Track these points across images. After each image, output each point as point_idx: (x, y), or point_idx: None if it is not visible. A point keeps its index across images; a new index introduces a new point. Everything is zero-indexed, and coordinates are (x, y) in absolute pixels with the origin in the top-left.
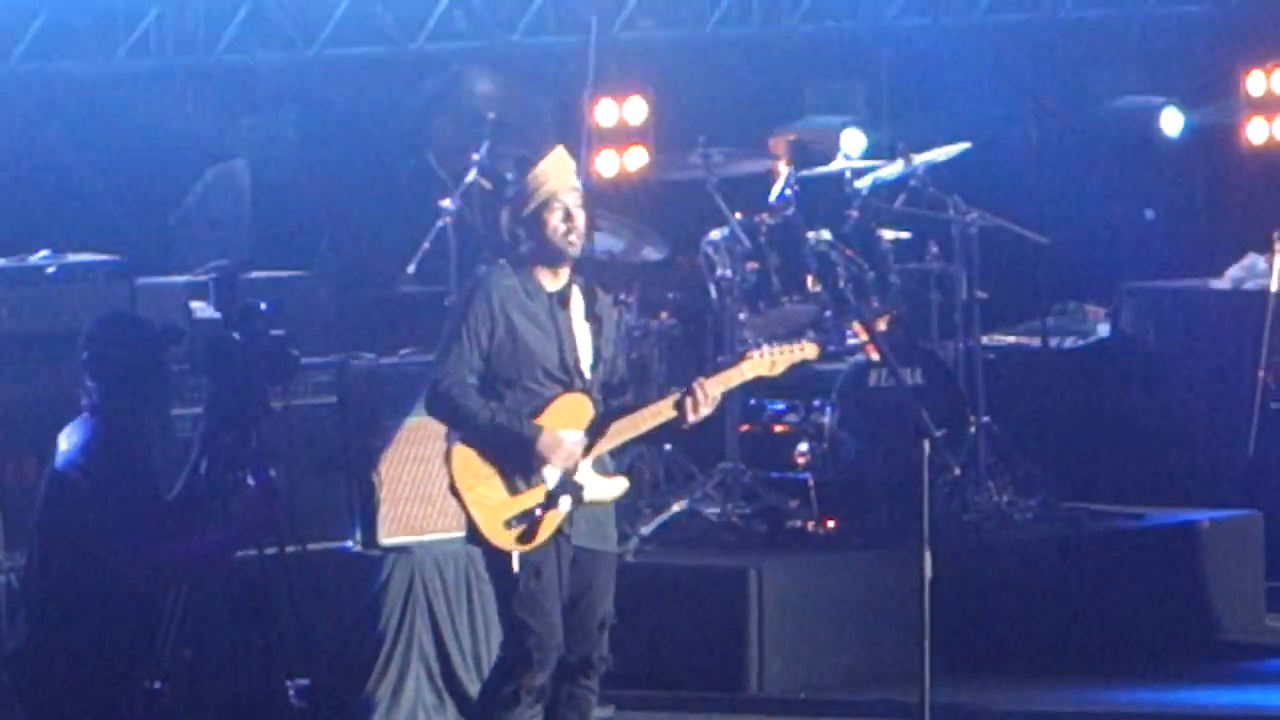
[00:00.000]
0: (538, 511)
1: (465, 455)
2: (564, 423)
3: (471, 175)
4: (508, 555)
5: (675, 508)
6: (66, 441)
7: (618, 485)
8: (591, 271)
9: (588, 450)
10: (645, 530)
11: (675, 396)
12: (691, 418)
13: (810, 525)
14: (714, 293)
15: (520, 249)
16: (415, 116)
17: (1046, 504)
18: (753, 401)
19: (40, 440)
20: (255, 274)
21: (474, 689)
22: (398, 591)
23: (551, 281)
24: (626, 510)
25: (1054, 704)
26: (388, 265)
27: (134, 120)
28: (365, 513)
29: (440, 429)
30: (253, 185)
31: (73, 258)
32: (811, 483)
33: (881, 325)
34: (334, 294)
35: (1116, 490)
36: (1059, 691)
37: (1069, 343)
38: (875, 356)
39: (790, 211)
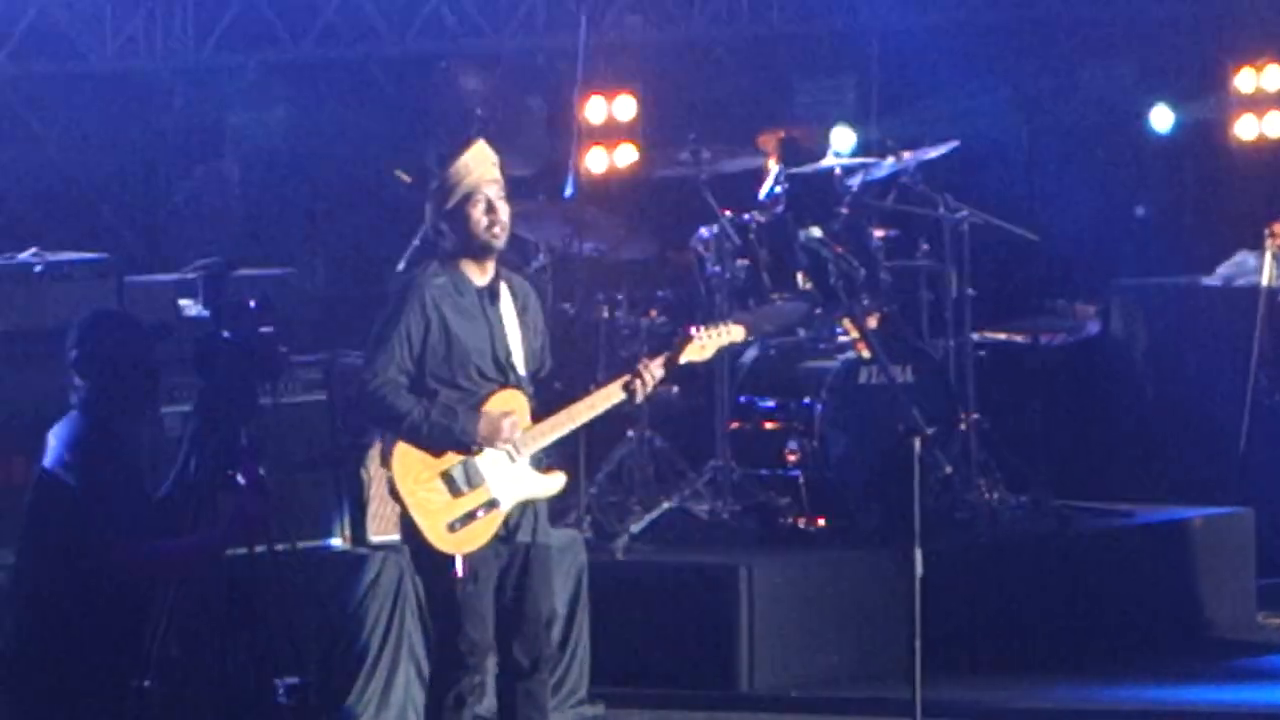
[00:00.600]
0: (480, 513)
1: (406, 458)
2: None
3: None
4: (448, 558)
5: (665, 505)
6: (55, 439)
7: (555, 481)
8: (581, 268)
9: (525, 445)
10: (635, 528)
11: (622, 380)
12: (639, 400)
13: (801, 523)
14: (704, 290)
15: (446, 245)
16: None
17: (1037, 501)
18: (743, 399)
19: (28, 439)
20: (244, 272)
21: None
22: (387, 589)
23: (479, 276)
24: (616, 508)
25: (1045, 701)
26: (376, 262)
27: (122, 118)
28: (354, 510)
29: None
30: (241, 183)
31: (60, 256)
32: (802, 480)
33: (872, 322)
34: (323, 291)
35: (1107, 488)
36: (1050, 689)
37: (1059, 340)
38: (866, 354)
39: (780, 209)
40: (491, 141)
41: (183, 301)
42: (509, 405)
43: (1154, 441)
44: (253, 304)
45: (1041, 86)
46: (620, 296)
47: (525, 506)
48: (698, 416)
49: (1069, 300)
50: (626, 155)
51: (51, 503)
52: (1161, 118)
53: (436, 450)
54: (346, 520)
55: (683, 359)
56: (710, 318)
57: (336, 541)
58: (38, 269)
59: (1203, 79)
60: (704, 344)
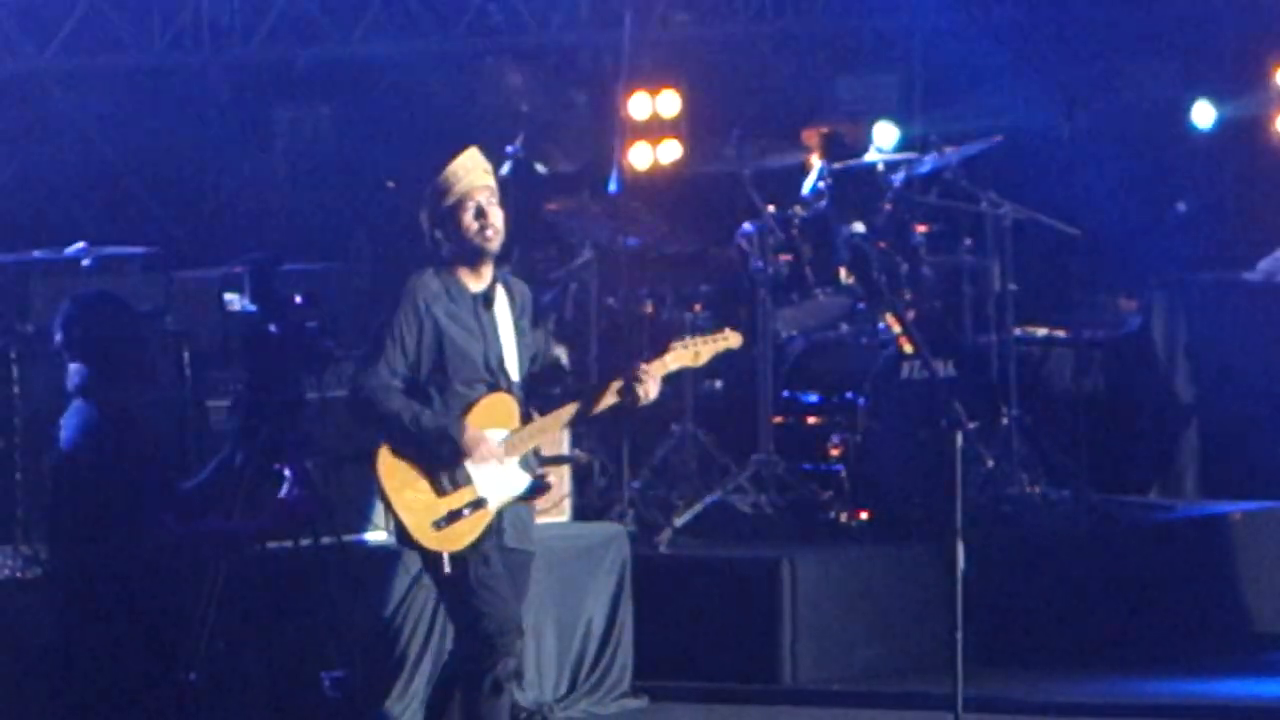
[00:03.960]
0: (465, 512)
1: (390, 459)
2: (490, 422)
3: (505, 168)
4: (439, 556)
5: (708, 499)
6: (65, 429)
7: (543, 484)
8: (626, 264)
9: (512, 449)
10: (678, 522)
11: (617, 386)
12: (642, 401)
13: (843, 517)
14: (747, 285)
15: (441, 251)
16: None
17: (1078, 496)
18: (786, 393)
19: None
20: (290, 266)
21: None
22: (432, 583)
23: (475, 282)
24: (659, 502)
25: (1086, 695)
26: (422, 256)
27: (170, 113)
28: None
29: None
30: (288, 178)
31: (108, 250)
32: (845, 474)
33: (914, 317)
34: (369, 285)
35: (1148, 482)
36: (1091, 683)
37: (1101, 335)
38: (908, 349)
39: (823, 204)
40: (536, 138)
41: (229, 296)
42: (499, 408)
43: (1194, 436)
44: (299, 298)
45: (1084, 82)
46: (665, 291)
47: (513, 508)
48: (741, 410)
49: (1110, 295)
50: (671, 151)
51: (73, 486)
52: (1203, 114)
53: (422, 453)
54: (391, 514)
55: (673, 365)
56: (753, 313)
57: (381, 535)
58: (86, 263)
59: (1245, 75)
60: (698, 351)
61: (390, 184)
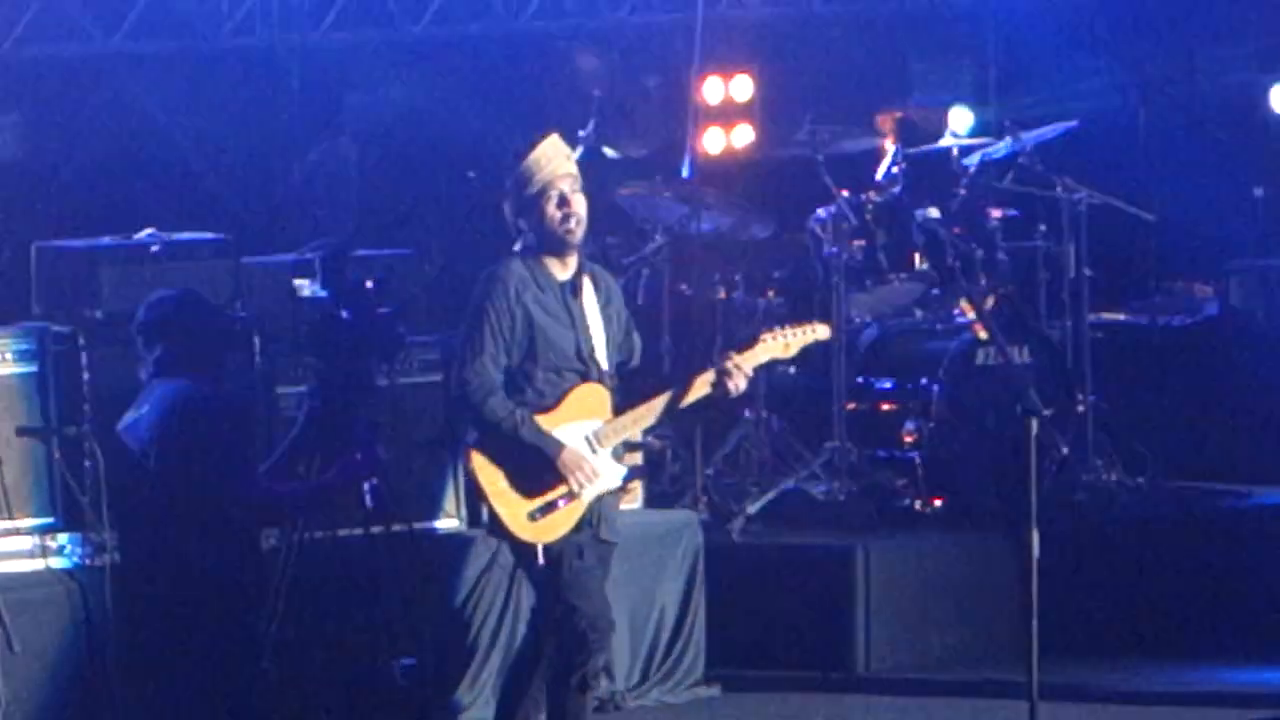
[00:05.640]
0: (560, 503)
1: (485, 449)
2: (582, 413)
3: (577, 153)
4: (533, 548)
5: (782, 486)
6: (145, 410)
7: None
8: (699, 249)
9: (606, 439)
10: (751, 509)
11: (709, 377)
12: (732, 393)
13: (917, 504)
14: (821, 271)
15: (526, 240)
16: None
17: (1154, 483)
18: (860, 380)
19: None
20: (361, 252)
21: None
22: (503, 570)
23: (561, 271)
24: (732, 489)
25: (1160, 684)
26: (493, 242)
27: (240, 98)
28: (470, 491)
29: None
30: (359, 163)
31: (177, 236)
32: (918, 461)
33: (989, 303)
34: (440, 272)
35: (1224, 469)
36: (1165, 672)
37: (1177, 320)
38: (983, 335)
39: (897, 189)
40: (608, 122)
41: (299, 282)
42: (591, 398)
43: (1271, 422)
44: (370, 284)
45: (1159, 66)
46: (737, 277)
47: (603, 499)
48: (815, 397)
49: (1187, 281)
50: (744, 135)
51: (164, 466)
52: None
53: (520, 446)
54: (462, 502)
55: (763, 356)
56: (826, 299)
57: (452, 523)
58: (155, 249)
59: None
60: (787, 342)
61: (471, 174)
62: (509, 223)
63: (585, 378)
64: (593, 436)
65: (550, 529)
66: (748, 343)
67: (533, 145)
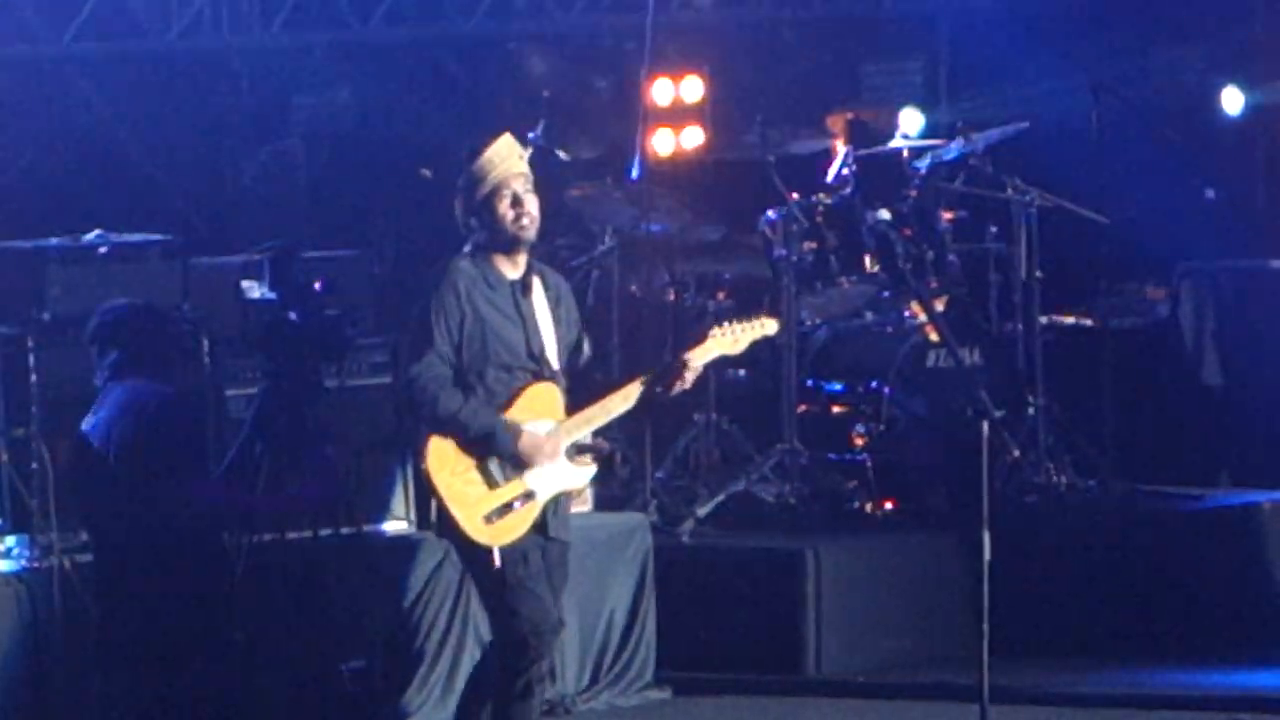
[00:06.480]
0: (517, 504)
1: (441, 448)
2: (535, 413)
3: (528, 153)
4: (488, 550)
5: (731, 489)
6: (104, 411)
7: (588, 472)
8: (648, 251)
9: (560, 439)
10: (701, 512)
11: (655, 374)
12: (677, 389)
13: (868, 507)
14: (771, 273)
15: (477, 239)
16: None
17: (1105, 485)
18: (810, 382)
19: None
20: (309, 253)
21: None
22: (452, 574)
23: (511, 270)
24: (682, 491)
25: (1113, 687)
26: (442, 244)
27: (188, 99)
28: (420, 493)
29: None
30: (307, 165)
31: (125, 237)
32: (869, 464)
33: (940, 306)
34: (389, 273)
35: (1176, 472)
36: (1118, 674)
37: (1128, 323)
38: (934, 337)
39: (848, 191)
40: (558, 123)
41: (248, 283)
42: (543, 397)
43: (1223, 425)
44: (318, 286)
45: (1111, 68)
46: (687, 279)
47: (558, 500)
48: (765, 399)
49: (1138, 283)
50: (693, 137)
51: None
52: (1232, 100)
53: (474, 444)
54: (412, 504)
55: (715, 351)
56: (776, 301)
57: (401, 525)
58: (103, 250)
59: (1273, 61)
60: (736, 338)
61: (425, 173)
62: (460, 222)
63: (538, 377)
64: (553, 442)
65: (506, 531)
66: (697, 339)
67: (485, 144)
